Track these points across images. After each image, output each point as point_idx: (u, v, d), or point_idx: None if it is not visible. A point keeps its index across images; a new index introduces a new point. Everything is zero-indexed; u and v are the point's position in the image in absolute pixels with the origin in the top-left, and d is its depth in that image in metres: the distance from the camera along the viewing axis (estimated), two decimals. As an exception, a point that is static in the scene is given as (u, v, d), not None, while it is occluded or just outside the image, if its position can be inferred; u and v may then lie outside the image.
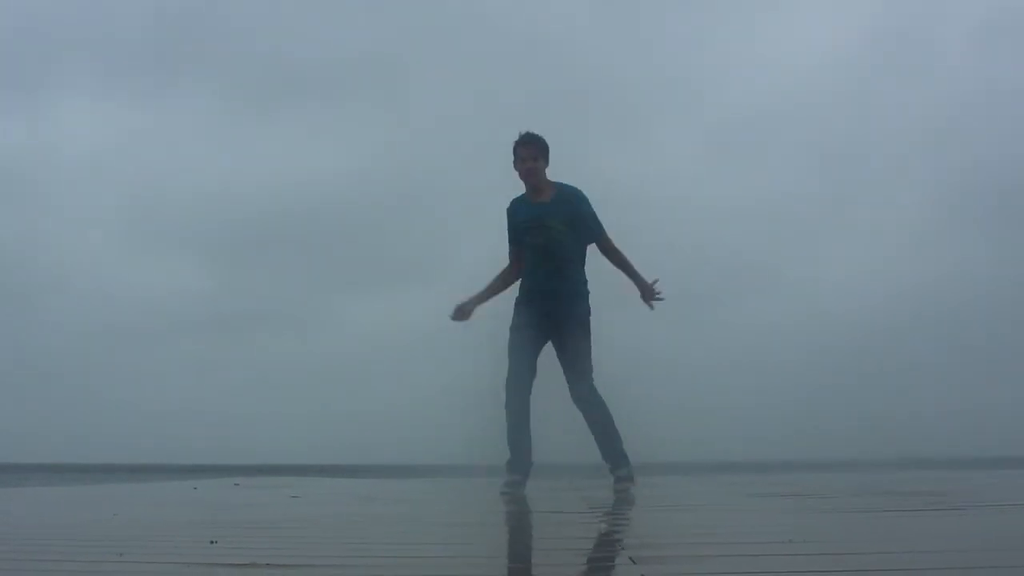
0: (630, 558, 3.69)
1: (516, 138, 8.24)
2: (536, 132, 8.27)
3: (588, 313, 8.21)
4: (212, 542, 4.34)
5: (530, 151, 8.20)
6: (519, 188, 8.31)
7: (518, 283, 8.38)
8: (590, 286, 8.28)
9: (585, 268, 8.30)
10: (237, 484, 10.61)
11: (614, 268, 8.35)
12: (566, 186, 8.28)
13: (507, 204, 8.41)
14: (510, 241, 8.38)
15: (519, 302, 8.30)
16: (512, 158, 8.27)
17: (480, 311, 8.38)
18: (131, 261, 47.28)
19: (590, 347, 8.13)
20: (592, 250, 8.32)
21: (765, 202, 41.06)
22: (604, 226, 8.30)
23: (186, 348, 41.15)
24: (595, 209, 8.30)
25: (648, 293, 8.28)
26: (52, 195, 49.61)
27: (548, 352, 8.18)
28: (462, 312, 8.33)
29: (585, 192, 8.32)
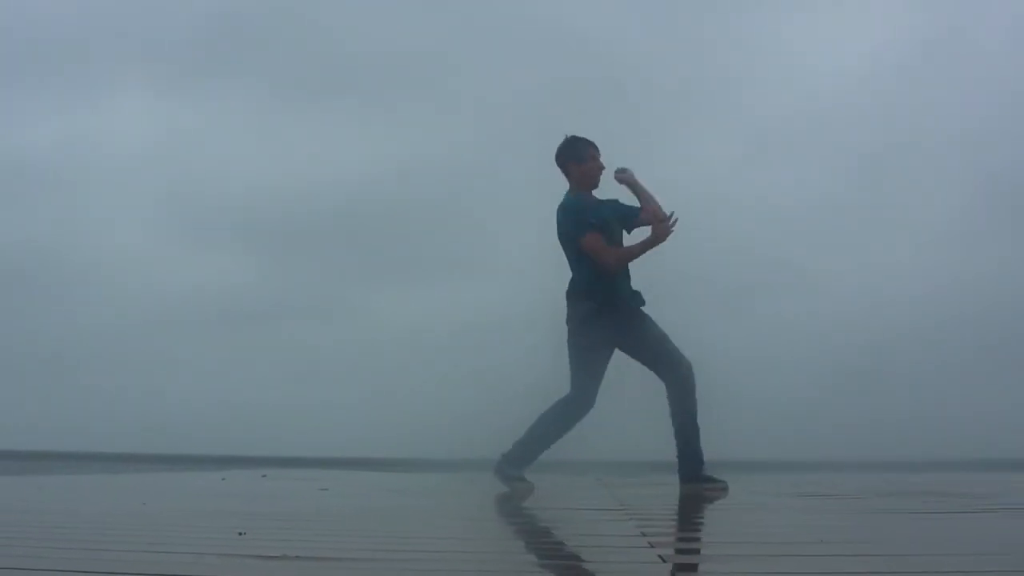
0: (659, 556, 3.68)
1: (580, 138, 8.05)
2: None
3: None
4: (240, 533, 4.35)
5: (595, 149, 8.04)
6: (559, 184, 8.12)
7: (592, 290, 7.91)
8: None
9: None
10: (265, 476, 10.64)
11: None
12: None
13: (575, 201, 7.99)
14: (598, 228, 7.86)
15: (596, 315, 7.83)
16: (582, 153, 8.00)
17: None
18: (172, 254, 47.64)
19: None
20: None
21: (802, 202, 40.92)
22: None
23: (223, 339, 41.38)
24: None
25: (662, 231, 7.86)
26: (98, 190, 50.12)
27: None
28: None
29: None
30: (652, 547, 3.95)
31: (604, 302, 7.79)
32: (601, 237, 7.81)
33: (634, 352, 7.86)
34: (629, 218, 7.96)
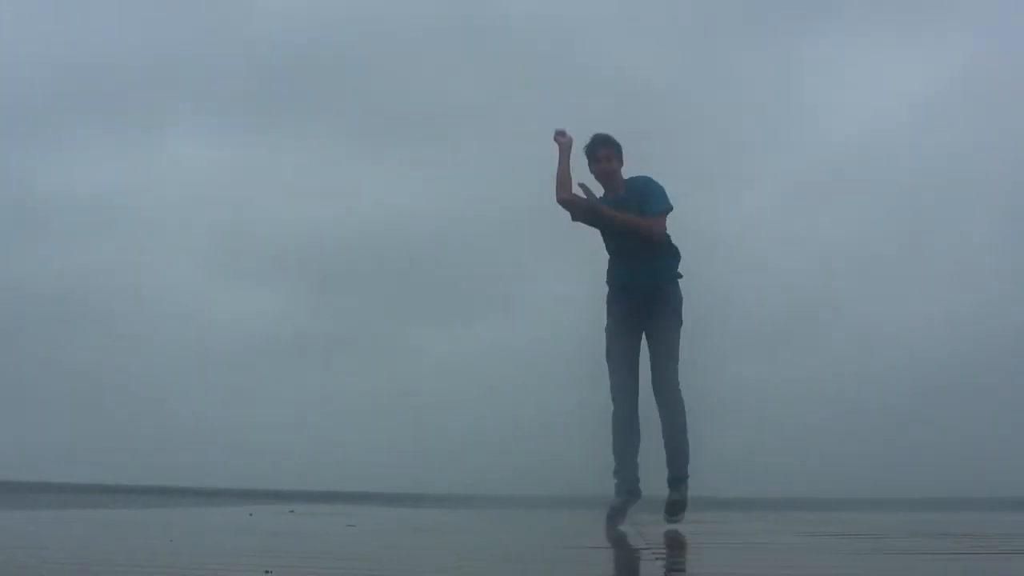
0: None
1: (588, 141, 8.12)
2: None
3: (680, 300, 8.05)
4: (267, 572, 4.38)
5: (605, 151, 8.07)
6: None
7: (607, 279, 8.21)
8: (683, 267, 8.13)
9: (673, 249, 8.15)
10: (292, 511, 10.66)
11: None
12: (637, 177, 8.15)
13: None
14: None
15: (612, 300, 8.14)
16: (587, 163, 8.12)
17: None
18: (222, 290, 48.56)
19: (679, 336, 7.96)
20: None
21: (845, 242, 41.27)
22: (668, 208, 8.06)
23: (261, 374, 41.78)
24: (665, 190, 8.10)
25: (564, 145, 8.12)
26: (155, 227, 51.11)
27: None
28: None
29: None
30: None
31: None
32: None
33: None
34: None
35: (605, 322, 8.13)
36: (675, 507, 7.88)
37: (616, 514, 7.83)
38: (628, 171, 8.15)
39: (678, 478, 7.90)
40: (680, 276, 8.12)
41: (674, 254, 8.15)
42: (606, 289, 8.21)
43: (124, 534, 7.57)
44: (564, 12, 53.55)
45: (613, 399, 7.96)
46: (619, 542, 6.72)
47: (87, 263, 46.75)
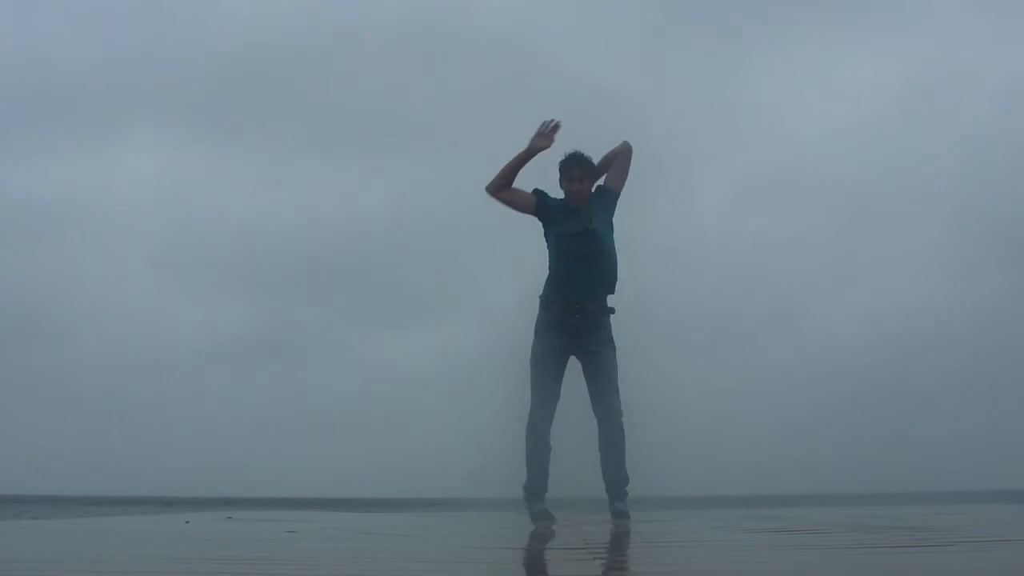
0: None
1: (564, 157, 8.14)
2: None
3: (611, 335, 8.08)
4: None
5: (578, 173, 8.10)
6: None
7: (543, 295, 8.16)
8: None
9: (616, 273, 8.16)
10: (230, 518, 10.56)
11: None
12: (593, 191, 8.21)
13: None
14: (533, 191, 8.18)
15: (543, 325, 8.08)
16: (558, 174, 8.17)
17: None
18: (174, 295, 48.32)
19: (616, 362, 8.02)
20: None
21: (792, 244, 41.86)
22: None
23: (212, 380, 41.62)
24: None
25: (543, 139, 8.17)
26: (108, 234, 50.89)
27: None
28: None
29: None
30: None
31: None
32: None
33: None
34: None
35: (533, 342, 8.09)
36: (623, 518, 7.90)
37: (543, 517, 7.89)
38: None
39: (620, 495, 7.99)
40: (612, 311, 8.11)
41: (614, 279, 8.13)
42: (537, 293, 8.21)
43: (54, 544, 7.45)
44: (526, 17, 53.76)
45: (533, 424, 7.99)
46: (558, 542, 6.69)
47: (39, 270, 46.45)
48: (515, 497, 8.16)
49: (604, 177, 8.26)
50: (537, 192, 8.18)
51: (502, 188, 8.11)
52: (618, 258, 8.10)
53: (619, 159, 8.26)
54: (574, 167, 8.11)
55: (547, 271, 8.14)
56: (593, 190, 8.20)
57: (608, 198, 8.19)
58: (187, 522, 9.93)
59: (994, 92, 46.12)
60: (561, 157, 8.17)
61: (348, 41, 55.26)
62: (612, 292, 8.09)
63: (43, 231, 49.99)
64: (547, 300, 8.11)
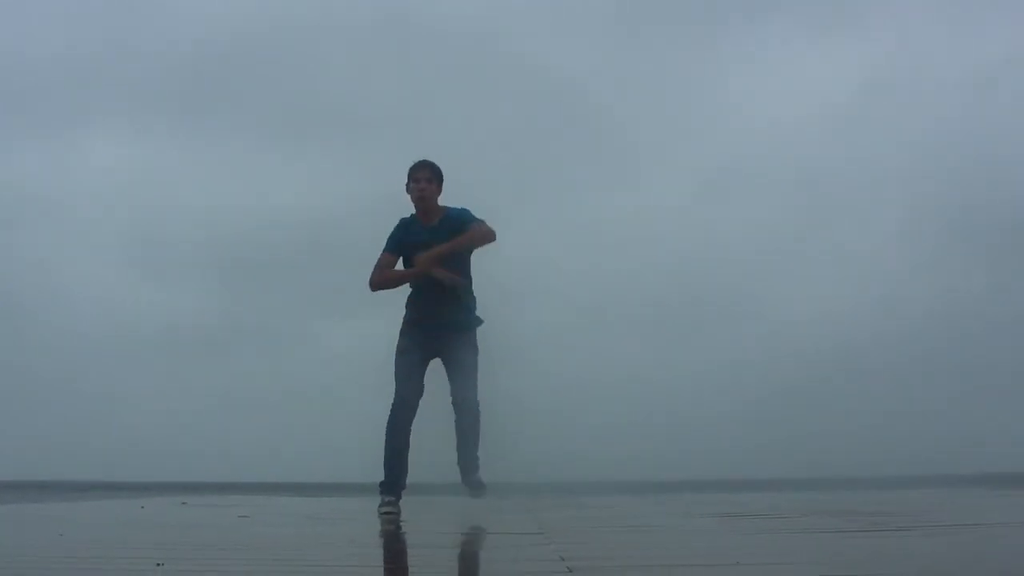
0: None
1: (412, 164, 8.36)
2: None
3: (476, 326, 8.34)
4: (159, 564, 4.30)
5: (425, 174, 8.29)
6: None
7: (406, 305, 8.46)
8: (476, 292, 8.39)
9: (472, 279, 8.38)
10: (184, 503, 10.53)
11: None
12: (452, 208, 8.33)
13: (398, 220, 8.44)
14: (389, 249, 8.38)
15: (407, 325, 8.39)
16: (406, 181, 8.35)
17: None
18: (131, 284, 48.07)
19: (477, 362, 8.29)
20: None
21: (750, 238, 42.17)
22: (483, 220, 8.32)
23: (167, 367, 41.37)
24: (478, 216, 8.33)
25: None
26: (70, 222, 50.51)
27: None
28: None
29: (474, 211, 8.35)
30: (570, 572, 3.96)
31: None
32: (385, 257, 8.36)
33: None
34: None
35: (399, 342, 8.35)
36: (480, 488, 8.35)
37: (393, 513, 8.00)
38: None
39: (473, 466, 8.36)
40: (481, 322, 8.37)
41: (472, 303, 8.38)
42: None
43: (11, 528, 7.42)
44: (489, 4, 53.75)
45: (395, 415, 8.22)
46: (514, 527, 6.72)
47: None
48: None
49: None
50: (389, 241, 8.40)
51: (382, 287, 8.45)
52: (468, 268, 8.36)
53: (478, 231, 8.26)
54: (422, 168, 8.32)
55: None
56: (453, 216, 8.29)
57: (467, 214, 8.29)
58: (142, 507, 9.90)
59: (954, 85, 46.46)
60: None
61: (308, 30, 55.05)
62: (458, 305, 8.30)
63: (2, 219, 49.67)
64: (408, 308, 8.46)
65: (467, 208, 8.33)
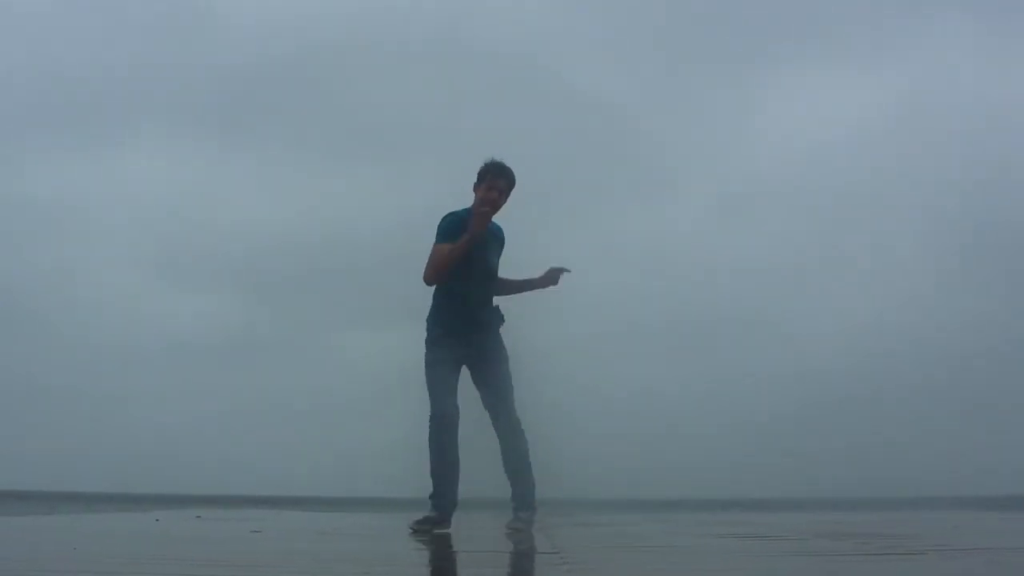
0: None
1: (490, 162, 7.86)
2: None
3: (500, 324, 8.04)
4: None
5: (503, 184, 7.81)
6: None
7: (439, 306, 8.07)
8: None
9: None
10: (199, 517, 10.54)
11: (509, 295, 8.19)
12: (495, 223, 7.98)
13: (451, 214, 7.97)
14: (445, 242, 7.82)
15: (435, 336, 8.02)
16: (476, 179, 7.88)
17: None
18: (166, 296, 48.53)
19: (510, 371, 7.99)
20: None
21: (772, 260, 42.41)
22: None
23: (196, 379, 41.56)
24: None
25: (551, 278, 8.11)
26: (107, 234, 51.04)
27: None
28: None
29: None
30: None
31: None
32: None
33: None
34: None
35: (427, 354, 8.01)
36: (531, 523, 7.82)
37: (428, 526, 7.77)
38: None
39: (531, 505, 7.90)
40: (503, 320, 8.06)
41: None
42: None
43: (26, 541, 7.43)
44: (527, 25, 54.24)
45: (440, 430, 7.85)
46: (527, 545, 6.70)
47: (30, 268, 46.41)
48: (490, 498, 8.19)
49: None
50: (444, 235, 7.90)
51: (441, 279, 7.96)
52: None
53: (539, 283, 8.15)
54: (503, 176, 7.86)
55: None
56: (497, 229, 8.06)
57: (503, 239, 8.09)
58: (157, 520, 9.91)
59: (969, 111, 46.69)
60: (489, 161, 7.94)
61: (345, 49, 55.46)
62: (496, 310, 8.07)
63: (38, 230, 50.03)
64: (432, 328, 8.12)
65: (502, 228, 8.08)
